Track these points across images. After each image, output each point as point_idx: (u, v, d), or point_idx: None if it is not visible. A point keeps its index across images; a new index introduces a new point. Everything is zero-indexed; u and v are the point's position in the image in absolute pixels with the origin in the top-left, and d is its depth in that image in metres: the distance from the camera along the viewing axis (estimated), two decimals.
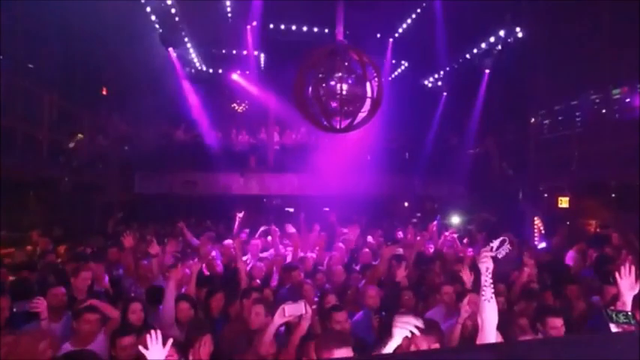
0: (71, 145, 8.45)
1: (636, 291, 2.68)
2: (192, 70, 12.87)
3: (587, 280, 5.40)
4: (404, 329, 2.04)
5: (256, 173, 12.64)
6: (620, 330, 2.31)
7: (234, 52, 12.47)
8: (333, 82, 8.57)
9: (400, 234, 8.68)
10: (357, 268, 6.24)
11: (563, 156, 9.87)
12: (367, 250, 6.86)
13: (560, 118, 10.61)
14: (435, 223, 8.64)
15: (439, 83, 11.85)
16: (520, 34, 9.61)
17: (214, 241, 7.38)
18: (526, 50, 9.73)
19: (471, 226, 9.52)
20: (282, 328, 3.47)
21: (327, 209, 11.55)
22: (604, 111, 9.98)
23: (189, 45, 11.40)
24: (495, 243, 2.56)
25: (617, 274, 2.76)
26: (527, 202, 10.72)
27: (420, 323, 2.06)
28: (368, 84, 7.92)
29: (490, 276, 2.58)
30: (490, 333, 2.54)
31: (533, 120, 10.94)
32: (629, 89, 8.96)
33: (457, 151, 12.52)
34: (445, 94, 12.09)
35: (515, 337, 3.62)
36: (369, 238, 8.29)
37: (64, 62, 9.69)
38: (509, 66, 10.03)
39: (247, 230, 8.11)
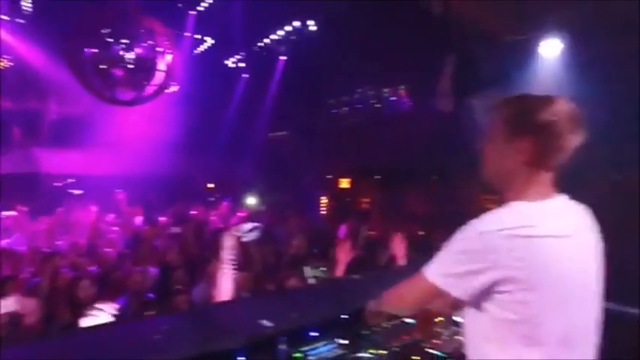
0: None
1: (349, 259, 3.17)
2: None
3: None
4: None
5: (24, 148, 10.54)
6: (313, 281, 2.72)
7: None
8: (118, 49, 7.72)
9: (193, 214, 8.52)
10: None
11: (345, 143, 11.21)
12: (148, 230, 6.51)
13: (345, 109, 11.99)
14: (226, 203, 8.83)
15: (240, 64, 11.96)
16: (314, 28, 10.39)
17: None
18: (317, 43, 10.59)
19: (264, 206, 10.01)
20: None
21: (119, 191, 10.50)
22: (378, 105, 11.72)
23: None
24: (248, 226, 2.63)
25: (337, 246, 3.22)
26: (315, 183, 11.89)
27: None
28: (160, 56, 7.44)
29: (232, 252, 2.64)
30: None
31: (325, 109, 12.09)
32: (393, 89, 10.72)
33: (256, 134, 12.95)
34: (246, 75, 12.30)
35: None
36: (162, 219, 7.95)
37: None
38: (303, 56, 10.78)
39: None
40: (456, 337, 1.97)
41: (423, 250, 5.90)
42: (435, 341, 1.97)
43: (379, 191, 10.44)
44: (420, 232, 7.07)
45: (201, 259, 5.39)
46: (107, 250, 5.64)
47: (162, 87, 8.04)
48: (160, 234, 5.98)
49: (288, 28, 10.32)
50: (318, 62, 11.07)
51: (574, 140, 1.30)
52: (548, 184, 1.38)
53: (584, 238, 1.36)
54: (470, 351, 1.41)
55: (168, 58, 7.93)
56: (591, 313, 1.34)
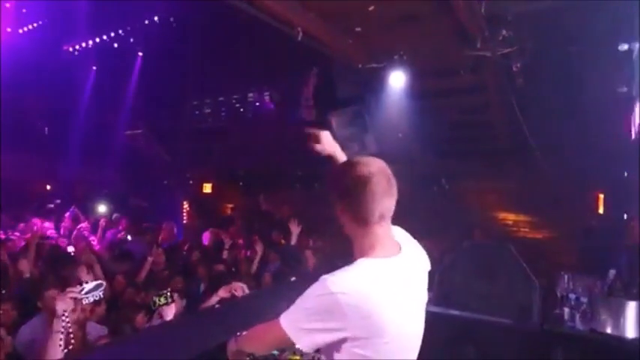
0: None
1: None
2: None
3: None
4: None
5: None
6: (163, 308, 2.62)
7: None
8: None
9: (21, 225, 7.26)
10: None
11: (208, 146, 10.85)
12: None
13: (208, 110, 11.59)
14: (69, 213, 7.77)
15: (88, 54, 10.60)
16: (174, 25, 9.79)
17: None
18: (180, 41, 10.03)
19: (116, 214, 9.08)
20: None
21: None
22: (242, 110, 11.61)
23: None
24: (89, 285, 2.28)
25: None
26: (176, 187, 11.26)
27: None
28: None
29: (67, 320, 2.29)
30: None
31: (187, 110, 11.51)
32: (258, 94, 10.76)
33: (111, 132, 11.69)
34: (95, 68, 10.99)
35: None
36: None
37: None
38: (163, 52, 10.08)
39: None
40: None
41: (286, 260, 6.14)
42: None
43: (243, 197, 10.42)
44: (283, 241, 7.27)
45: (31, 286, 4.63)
46: None
47: None
48: None
49: (145, 22, 9.54)
50: (179, 61, 10.50)
51: (383, 193, 1.47)
52: (390, 239, 1.57)
53: (417, 286, 1.59)
54: None
55: None
56: (416, 350, 1.59)
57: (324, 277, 1.41)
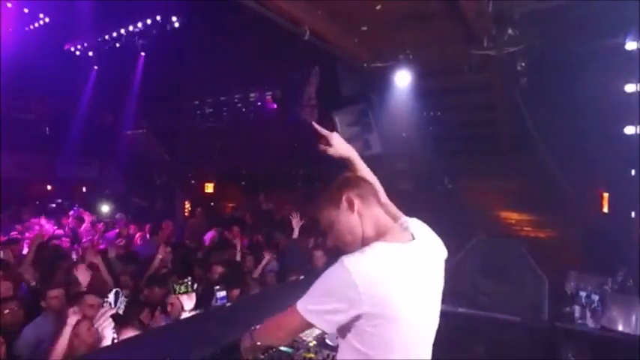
0: None
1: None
2: None
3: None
4: None
5: None
6: (184, 297, 2.62)
7: None
8: None
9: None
10: None
11: (209, 146, 10.83)
12: None
13: (209, 110, 11.57)
14: (72, 212, 7.75)
15: (90, 53, 10.57)
16: (177, 25, 9.76)
17: None
18: (182, 41, 10.01)
19: (120, 213, 9.06)
20: None
21: None
22: (244, 110, 11.59)
23: None
24: (111, 298, 2.35)
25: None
26: (178, 187, 11.24)
27: None
28: None
29: (114, 330, 2.37)
30: None
31: (186, 109, 11.50)
32: (260, 94, 10.73)
33: (113, 131, 11.67)
34: (96, 67, 10.96)
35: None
36: None
37: None
38: (165, 52, 10.05)
39: None
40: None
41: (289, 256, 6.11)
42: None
43: (244, 197, 10.40)
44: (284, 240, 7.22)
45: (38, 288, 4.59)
46: None
47: None
48: None
49: (148, 21, 9.52)
50: (181, 59, 10.48)
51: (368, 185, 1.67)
52: (397, 226, 1.62)
53: (432, 272, 1.60)
54: None
55: None
56: (431, 338, 1.61)
57: (342, 257, 1.44)
